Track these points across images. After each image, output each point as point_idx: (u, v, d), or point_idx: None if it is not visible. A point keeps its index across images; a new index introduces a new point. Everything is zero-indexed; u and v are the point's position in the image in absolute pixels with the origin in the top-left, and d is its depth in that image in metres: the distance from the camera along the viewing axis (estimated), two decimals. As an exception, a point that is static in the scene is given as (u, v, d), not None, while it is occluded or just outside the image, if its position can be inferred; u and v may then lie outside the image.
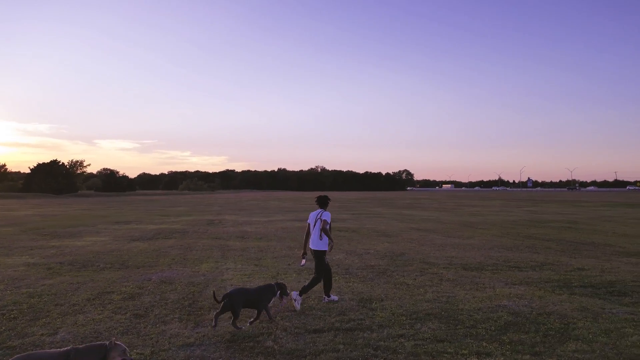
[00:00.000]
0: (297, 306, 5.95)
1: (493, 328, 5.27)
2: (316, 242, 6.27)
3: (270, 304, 5.59)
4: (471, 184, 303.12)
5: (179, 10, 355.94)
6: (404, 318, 5.68)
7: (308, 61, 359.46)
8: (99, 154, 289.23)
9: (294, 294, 6.00)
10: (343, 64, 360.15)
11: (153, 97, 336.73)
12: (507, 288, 7.33)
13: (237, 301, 5.07)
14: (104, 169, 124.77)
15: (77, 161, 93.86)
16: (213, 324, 5.14)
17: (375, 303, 6.37)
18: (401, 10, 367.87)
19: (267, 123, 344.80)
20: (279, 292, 5.59)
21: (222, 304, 5.09)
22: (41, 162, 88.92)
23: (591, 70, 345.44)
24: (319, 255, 6.28)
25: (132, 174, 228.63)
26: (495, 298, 6.67)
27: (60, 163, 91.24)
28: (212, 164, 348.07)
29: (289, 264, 9.58)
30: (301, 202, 47.01)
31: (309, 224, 6.45)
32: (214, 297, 5.15)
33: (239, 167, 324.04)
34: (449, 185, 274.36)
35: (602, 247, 12.31)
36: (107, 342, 3.51)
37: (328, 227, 6.23)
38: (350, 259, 10.27)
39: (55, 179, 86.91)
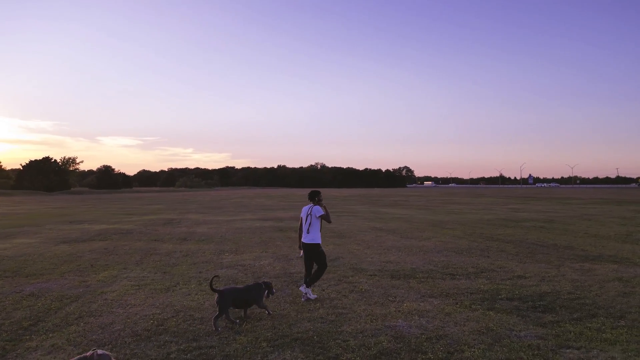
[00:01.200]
0: (312, 296, 6.41)
1: (358, 359, 4.35)
2: (309, 236, 6.46)
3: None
4: (472, 181, 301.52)
5: (180, 8, 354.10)
6: (265, 344, 4.76)
7: (309, 58, 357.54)
8: (102, 151, 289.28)
9: (302, 288, 6.40)
10: (344, 61, 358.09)
11: (155, 95, 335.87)
12: (417, 302, 6.39)
13: (227, 298, 5.27)
14: (103, 166, 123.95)
15: (70, 158, 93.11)
16: (235, 325, 5.30)
17: (248, 324, 5.44)
18: (400, 7, 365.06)
19: (269, 120, 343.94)
20: (266, 290, 5.74)
21: (217, 304, 5.29)
22: (33, 159, 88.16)
23: (592, 67, 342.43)
24: (314, 249, 6.44)
25: (134, 171, 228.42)
26: (392, 316, 5.73)
27: (53, 160, 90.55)
28: (215, 161, 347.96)
29: (199, 272, 8.66)
30: (287, 200, 46.15)
31: (301, 218, 6.61)
32: (210, 286, 5.45)
33: (241, 164, 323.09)
34: (430, 183, 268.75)
35: (562, 249, 11.34)
36: (89, 353, 3.38)
37: (323, 213, 6.49)
38: (274, 265, 9.34)
39: (47, 176, 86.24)
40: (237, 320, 5.42)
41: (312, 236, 6.45)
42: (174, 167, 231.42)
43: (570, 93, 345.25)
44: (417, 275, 8.25)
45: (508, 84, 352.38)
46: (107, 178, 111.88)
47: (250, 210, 28.81)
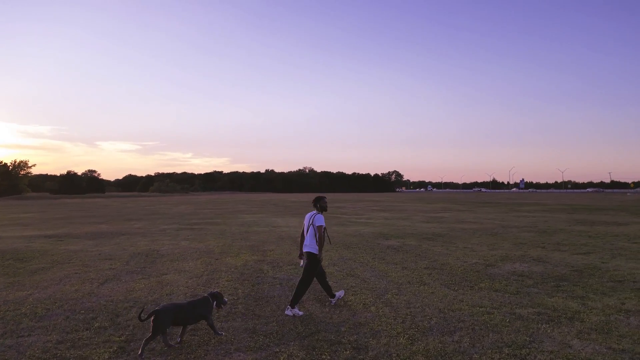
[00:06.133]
0: (299, 313, 5.74)
1: None
2: (308, 245, 5.89)
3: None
4: (465, 186, 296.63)
5: (179, 12, 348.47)
6: None
7: (307, 61, 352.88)
8: (101, 156, 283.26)
9: (288, 311, 5.75)
10: (341, 64, 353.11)
11: (155, 99, 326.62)
12: None
13: (164, 319, 4.44)
14: (69, 171, 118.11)
15: (21, 162, 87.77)
16: (172, 350, 4.49)
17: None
18: (394, 8, 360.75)
19: (269, 124, 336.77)
20: (214, 302, 4.96)
21: (152, 324, 4.43)
22: None
23: (585, 70, 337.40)
24: (309, 258, 5.87)
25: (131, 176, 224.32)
26: None
27: (2, 164, 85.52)
28: (214, 165, 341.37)
29: None
30: (217, 205, 40.92)
31: (303, 225, 6.05)
32: (139, 316, 4.46)
33: (241, 168, 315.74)
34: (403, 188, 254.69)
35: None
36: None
37: (323, 232, 5.86)
38: None
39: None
40: (177, 344, 4.62)
41: (311, 245, 5.83)
42: (173, 171, 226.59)
43: (564, 96, 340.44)
44: None
45: (503, 88, 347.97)
46: (69, 183, 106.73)
47: (115, 219, 23.67)
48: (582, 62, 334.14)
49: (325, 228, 5.89)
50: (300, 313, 5.74)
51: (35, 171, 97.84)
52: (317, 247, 5.80)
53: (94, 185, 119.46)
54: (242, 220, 22.73)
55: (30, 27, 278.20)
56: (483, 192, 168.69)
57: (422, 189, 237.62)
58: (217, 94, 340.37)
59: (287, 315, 5.69)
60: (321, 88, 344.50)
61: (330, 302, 6.20)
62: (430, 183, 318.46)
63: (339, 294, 6.34)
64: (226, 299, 5.35)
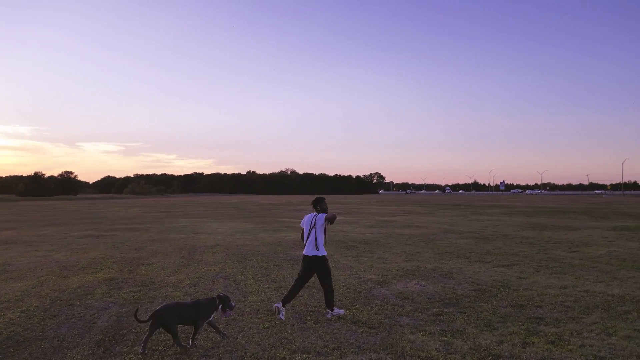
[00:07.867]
0: (341, 312, 5.72)
1: None
2: (312, 249, 5.57)
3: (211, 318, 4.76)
4: (439, 187, 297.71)
5: (162, 13, 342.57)
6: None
7: (292, 63, 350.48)
8: (83, 157, 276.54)
9: (328, 315, 5.69)
10: (325, 66, 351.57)
11: (138, 100, 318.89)
12: None
13: (169, 318, 4.36)
14: (36, 172, 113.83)
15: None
16: (141, 349, 4.36)
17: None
18: (378, 10, 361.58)
19: (252, 126, 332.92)
20: (220, 305, 4.79)
21: (149, 325, 4.38)
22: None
23: (566, 73, 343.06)
24: (318, 262, 5.56)
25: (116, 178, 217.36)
26: None
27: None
28: (199, 167, 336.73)
29: None
30: (172, 208, 38.86)
31: (302, 229, 5.79)
32: (135, 316, 4.46)
33: (225, 170, 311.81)
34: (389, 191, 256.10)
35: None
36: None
37: (324, 226, 5.64)
38: None
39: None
40: (189, 344, 4.54)
41: (320, 248, 5.55)
42: (153, 173, 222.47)
43: (544, 100, 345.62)
44: None
45: (487, 91, 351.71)
46: (36, 184, 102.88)
47: (35, 224, 21.63)
48: (563, 66, 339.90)
49: (325, 225, 5.70)
50: (342, 311, 5.72)
51: (11, 172, 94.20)
52: (324, 250, 5.59)
53: (66, 187, 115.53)
54: (173, 225, 20.90)
55: (10, 28, 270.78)
56: (528, 194, 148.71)
57: (438, 191, 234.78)
58: (202, 95, 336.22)
59: (327, 318, 5.61)
60: (306, 90, 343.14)
61: (277, 309, 5.61)
62: (412, 185, 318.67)
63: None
64: (233, 303, 4.98)
